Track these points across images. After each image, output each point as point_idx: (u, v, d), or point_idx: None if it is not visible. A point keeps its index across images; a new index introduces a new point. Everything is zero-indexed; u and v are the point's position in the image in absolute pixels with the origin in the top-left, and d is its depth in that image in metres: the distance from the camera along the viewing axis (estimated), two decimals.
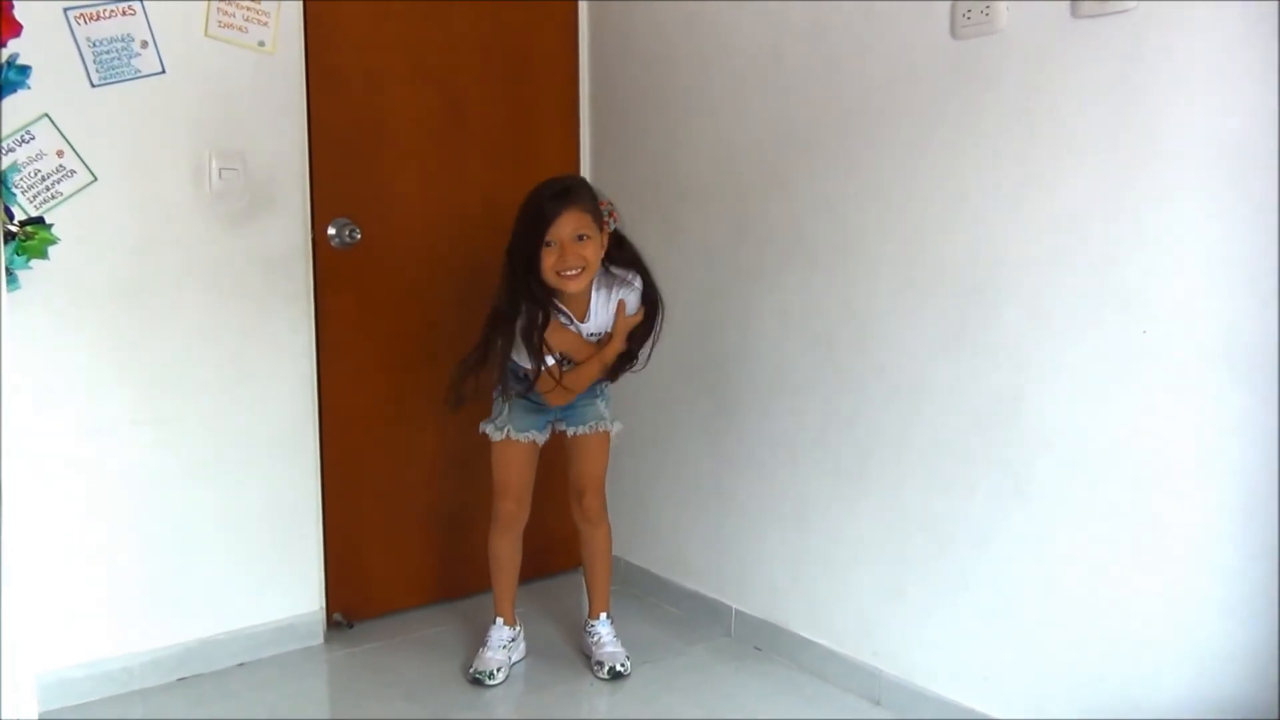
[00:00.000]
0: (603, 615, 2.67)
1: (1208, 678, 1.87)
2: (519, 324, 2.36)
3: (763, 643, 2.73)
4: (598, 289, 2.43)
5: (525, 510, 2.60)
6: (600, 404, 2.56)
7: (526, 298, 2.35)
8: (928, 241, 2.26)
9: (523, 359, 2.40)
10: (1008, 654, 2.18)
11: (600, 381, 2.54)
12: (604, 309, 2.45)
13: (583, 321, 2.43)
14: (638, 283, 2.46)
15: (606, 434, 2.58)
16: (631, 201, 2.93)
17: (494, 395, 2.55)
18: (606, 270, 2.44)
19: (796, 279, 2.56)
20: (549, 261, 2.31)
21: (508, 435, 2.52)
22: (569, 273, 2.31)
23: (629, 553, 3.12)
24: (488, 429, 2.55)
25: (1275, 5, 1.70)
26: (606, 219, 2.40)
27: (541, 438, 2.55)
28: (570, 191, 2.35)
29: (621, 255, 2.46)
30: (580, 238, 2.31)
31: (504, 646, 2.61)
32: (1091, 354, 1.98)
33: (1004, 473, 2.15)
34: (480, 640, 2.64)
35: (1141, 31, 1.86)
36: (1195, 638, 1.88)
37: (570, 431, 2.56)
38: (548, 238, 2.30)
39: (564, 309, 2.41)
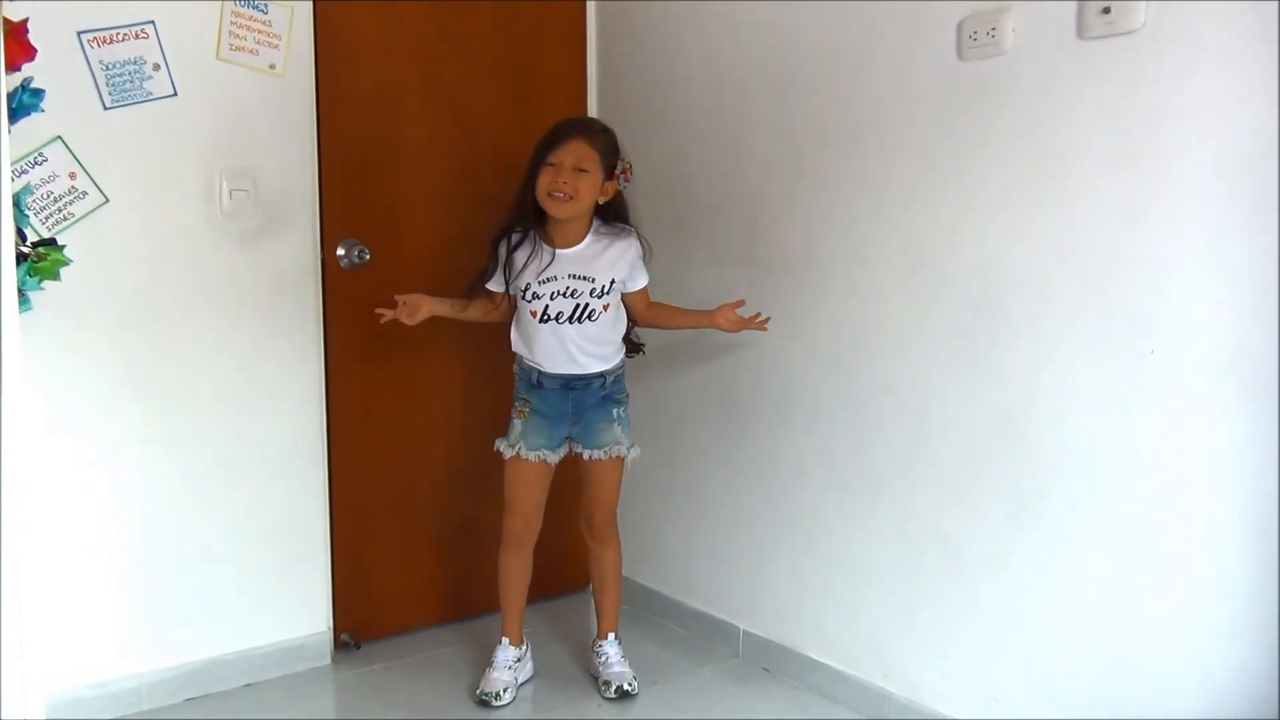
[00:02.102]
0: (611, 635, 2.66)
1: (1219, 699, 1.86)
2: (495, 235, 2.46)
3: (771, 664, 2.72)
4: (597, 237, 2.45)
5: (533, 529, 2.59)
6: (617, 428, 2.53)
7: (515, 215, 2.44)
8: (936, 261, 2.27)
9: (521, 348, 2.48)
10: (1018, 675, 2.17)
11: (619, 405, 2.53)
12: (603, 257, 2.44)
13: (566, 248, 2.43)
14: (635, 235, 2.49)
15: (621, 460, 2.55)
16: (641, 222, 2.93)
17: (511, 413, 2.54)
18: (604, 224, 2.47)
19: (805, 298, 2.57)
20: (544, 180, 2.36)
21: (518, 453, 2.51)
22: (556, 194, 2.34)
23: (637, 573, 3.12)
24: (501, 445, 2.54)
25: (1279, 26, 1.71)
26: (619, 172, 2.44)
27: (554, 457, 2.53)
28: (586, 124, 2.46)
29: (614, 210, 2.49)
30: (579, 169, 2.35)
31: (509, 667, 2.60)
32: (1100, 373, 1.98)
33: (1013, 491, 2.15)
34: (488, 661, 2.63)
35: (1147, 53, 1.87)
36: (1206, 659, 1.87)
37: (585, 455, 2.54)
38: (550, 158, 2.36)
39: (547, 239, 2.43)
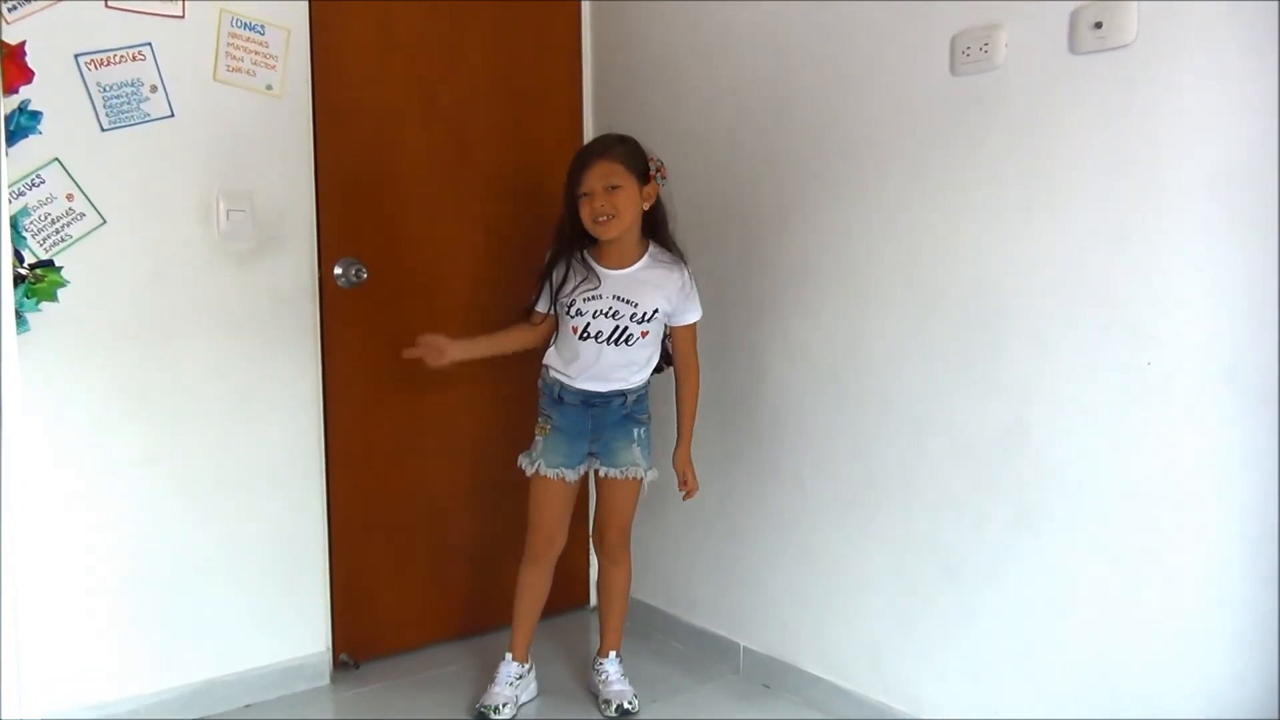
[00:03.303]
0: (612, 654, 2.65)
1: (1218, 709, 1.85)
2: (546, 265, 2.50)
3: (772, 680, 2.71)
4: (652, 262, 2.45)
5: (557, 546, 2.57)
6: (637, 449, 2.52)
7: (561, 245, 2.47)
8: (931, 274, 2.27)
9: (554, 360, 2.49)
10: (1018, 688, 2.16)
11: (640, 426, 2.53)
12: (651, 285, 2.44)
13: (617, 269, 2.43)
14: (687, 269, 2.49)
15: (638, 481, 2.54)
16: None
17: (535, 429, 2.53)
18: (661, 251, 2.48)
19: (802, 312, 2.58)
20: (585, 212, 2.38)
21: (538, 470, 2.49)
22: (600, 219, 2.36)
23: (636, 590, 3.09)
24: (523, 461, 2.53)
25: (1274, 40, 1.72)
26: (653, 173, 2.45)
27: (573, 475, 2.50)
28: (602, 143, 2.45)
29: (662, 238, 2.49)
30: (611, 187, 2.36)
31: (510, 683, 2.58)
32: (1096, 385, 1.99)
33: (1012, 503, 2.15)
34: (489, 678, 2.62)
35: (1139, 66, 1.88)
36: (1206, 669, 1.87)
37: (603, 472, 2.54)
38: (582, 189, 2.38)
39: (594, 261, 2.45)
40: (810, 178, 2.53)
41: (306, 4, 2.62)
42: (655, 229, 2.49)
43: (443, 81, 2.90)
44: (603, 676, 2.63)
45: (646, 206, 2.43)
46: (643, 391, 2.53)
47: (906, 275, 2.33)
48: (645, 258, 2.45)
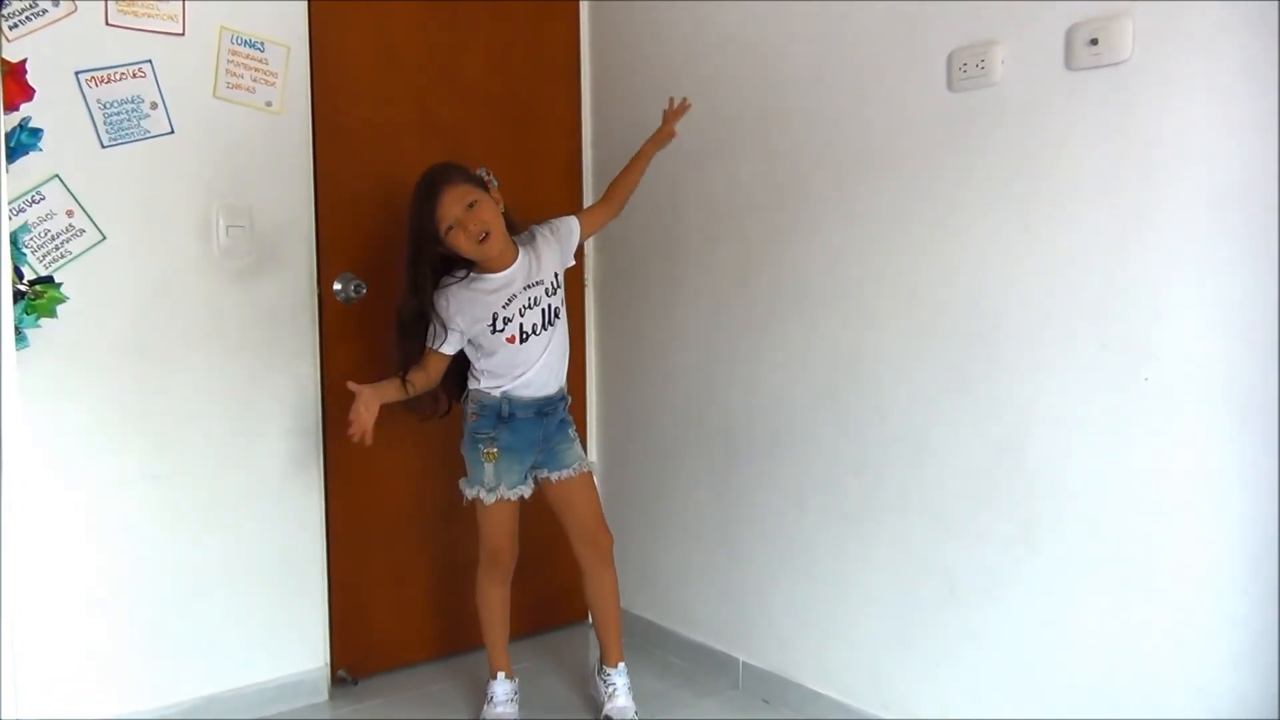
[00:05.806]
0: (621, 665, 2.61)
1: None
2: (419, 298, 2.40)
3: (771, 695, 2.71)
4: (524, 248, 2.47)
5: (515, 559, 2.58)
6: (576, 445, 2.55)
7: (434, 293, 2.41)
8: (928, 290, 2.28)
9: (494, 381, 2.43)
10: (1017, 705, 2.16)
11: (571, 425, 2.54)
12: (540, 259, 2.47)
13: (508, 268, 2.41)
14: (533, 228, 2.53)
15: (590, 473, 2.56)
16: (634, 252, 2.96)
17: (464, 451, 2.50)
18: (518, 235, 2.49)
19: (799, 328, 2.58)
20: (462, 241, 2.33)
21: (501, 496, 2.46)
22: (480, 237, 2.33)
23: (634, 604, 3.10)
24: (479, 494, 2.47)
25: (1272, 56, 1.73)
26: (487, 178, 2.47)
27: (528, 491, 2.50)
28: (433, 175, 2.38)
29: (514, 229, 2.48)
30: (471, 205, 2.34)
31: (510, 700, 2.59)
32: (1094, 401, 1.99)
33: (1011, 520, 2.15)
34: (484, 697, 2.61)
35: (1135, 83, 1.89)
36: (1205, 687, 1.87)
37: (555, 476, 2.51)
38: (445, 225, 2.33)
39: (489, 275, 2.41)
40: (808, 193, 2.53)
41: (306, 21, 2.64)
42: (508, 224, 2.45)
43: (441, 97, 2.91)
44: (610, 688, 2.59)
45: (502, 209, 2.41)
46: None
47: (904, 292, 2.33)
48: (519, 248, 2.46)
